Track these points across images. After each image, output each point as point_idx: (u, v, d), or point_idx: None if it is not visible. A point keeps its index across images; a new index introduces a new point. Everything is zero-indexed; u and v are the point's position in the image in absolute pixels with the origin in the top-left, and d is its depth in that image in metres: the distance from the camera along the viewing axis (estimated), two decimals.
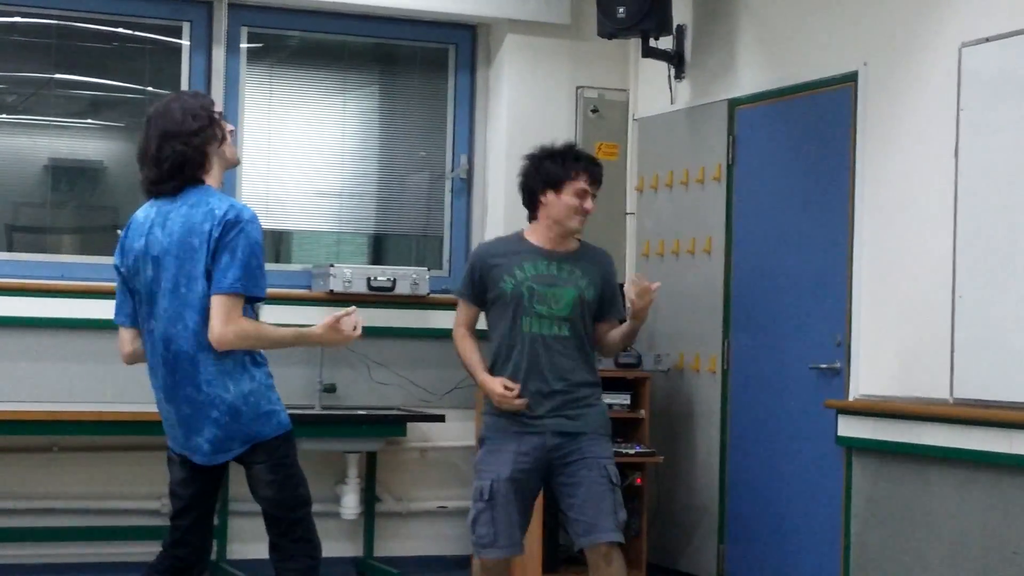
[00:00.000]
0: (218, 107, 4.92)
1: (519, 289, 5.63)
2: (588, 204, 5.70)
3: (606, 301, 5.79)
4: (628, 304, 5.69)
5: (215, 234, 4.68)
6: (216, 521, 7.58)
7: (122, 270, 4.88)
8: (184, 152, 4.75)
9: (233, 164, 4.94)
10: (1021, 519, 5.86)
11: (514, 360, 5.64)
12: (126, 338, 4.94)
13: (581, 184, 5.66)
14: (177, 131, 4.76)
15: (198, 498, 4.92)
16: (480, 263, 5.76)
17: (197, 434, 4.79)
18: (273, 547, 4.89)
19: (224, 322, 4.66)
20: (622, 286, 5.89)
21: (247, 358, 4.77)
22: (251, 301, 4.76)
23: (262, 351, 4.83)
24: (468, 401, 7.96)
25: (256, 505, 4.92)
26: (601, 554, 5.56)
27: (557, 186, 5.67)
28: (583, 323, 5.71)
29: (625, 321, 5.80)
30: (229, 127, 4.90)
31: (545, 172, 5.68)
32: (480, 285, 5.73)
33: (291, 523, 4.84)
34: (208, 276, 4.69)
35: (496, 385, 5.61)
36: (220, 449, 4.80)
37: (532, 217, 5.79)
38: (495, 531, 5.57)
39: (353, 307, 4.88)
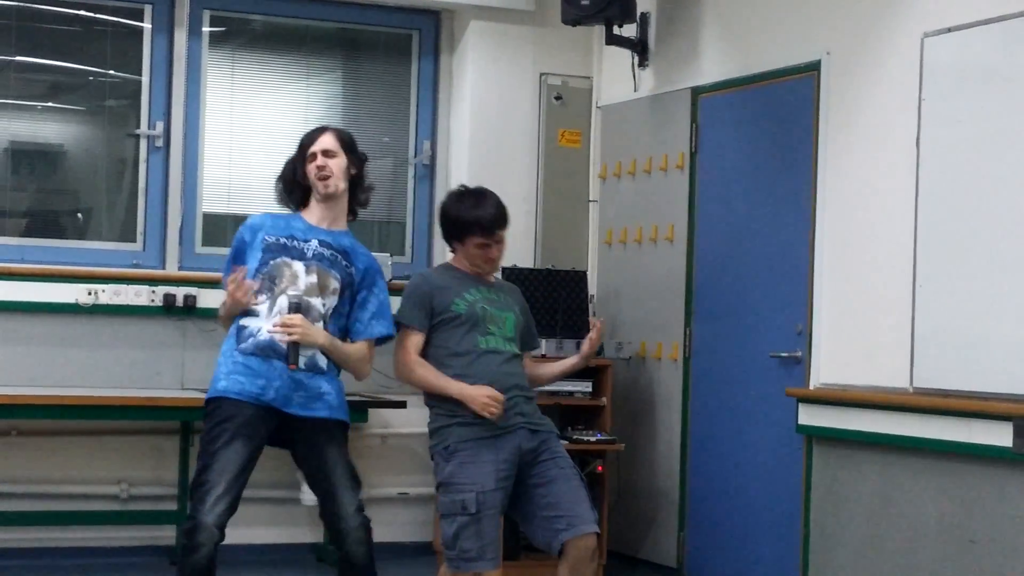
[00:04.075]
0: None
1: (473, 309, 5.54)
2: (492, 253, 5.63)
3: (525, 332, 5.74)
4: (586, 344, 5.66)
5: None
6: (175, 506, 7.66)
7: None
8: None
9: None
10: (979, 508, 5.89)
11: (474, 373, 5.49)
12: None
13: (477, 239, 5.58)
14: None
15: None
16: (428, 288, 5.62)
17: None
18: None
19: None
20: None
21: (232, 325, 5.43)
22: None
23: (240, 322, 5.37)
24: None
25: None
26: (589, 549, 5.39)
27: (460, 239, 5.62)
28: (520, 347, 5.67)
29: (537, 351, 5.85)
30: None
31: (447, 227, 5.65)
32: (429, 308, 5.58)
33: None
34: None
35: (481, 391, 5.43)
36: None
37: (452, 249, 5.75)
38: (483, 545, 5.36)
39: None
